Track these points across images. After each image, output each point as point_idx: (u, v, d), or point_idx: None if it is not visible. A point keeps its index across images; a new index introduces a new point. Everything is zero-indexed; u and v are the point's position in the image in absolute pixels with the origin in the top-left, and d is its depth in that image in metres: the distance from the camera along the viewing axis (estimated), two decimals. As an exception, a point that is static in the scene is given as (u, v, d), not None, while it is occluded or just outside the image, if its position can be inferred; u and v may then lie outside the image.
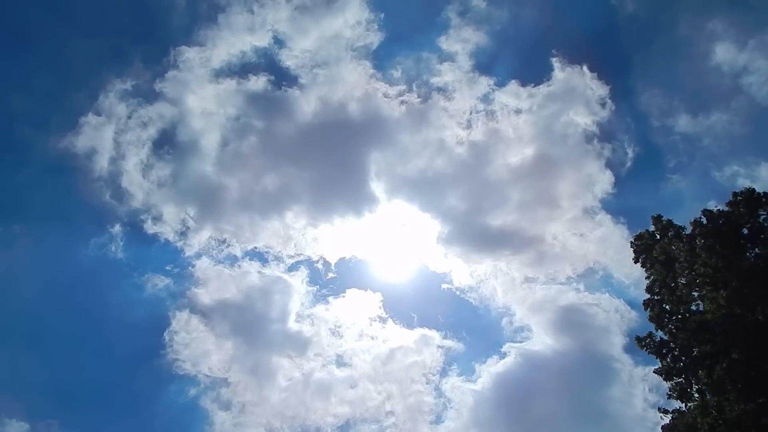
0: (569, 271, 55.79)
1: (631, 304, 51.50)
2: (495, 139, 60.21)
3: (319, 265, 58.93)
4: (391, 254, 65.12)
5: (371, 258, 63.37)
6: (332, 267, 58.86)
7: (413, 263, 65.00)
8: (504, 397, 52.12)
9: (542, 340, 54.08)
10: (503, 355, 53.90)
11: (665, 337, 26.43)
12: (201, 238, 56.72)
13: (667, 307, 26.97)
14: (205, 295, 56.13)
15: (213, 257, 57.11)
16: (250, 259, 58.17)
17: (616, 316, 52.54)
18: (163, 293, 56.96)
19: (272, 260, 58.63)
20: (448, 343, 56.00)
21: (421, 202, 60.62)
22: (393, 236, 62.58)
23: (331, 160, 58.23)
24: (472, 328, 61.66)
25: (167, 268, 57.71)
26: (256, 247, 58.05)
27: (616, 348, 51.07)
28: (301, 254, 58.71)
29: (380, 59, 60.90)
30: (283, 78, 58.30)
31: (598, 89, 57.02)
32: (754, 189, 26.24)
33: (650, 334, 26.75)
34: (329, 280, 59.00)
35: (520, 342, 54.53)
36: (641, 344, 26.79)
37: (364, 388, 54.25)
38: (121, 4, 59.52)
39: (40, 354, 53.85)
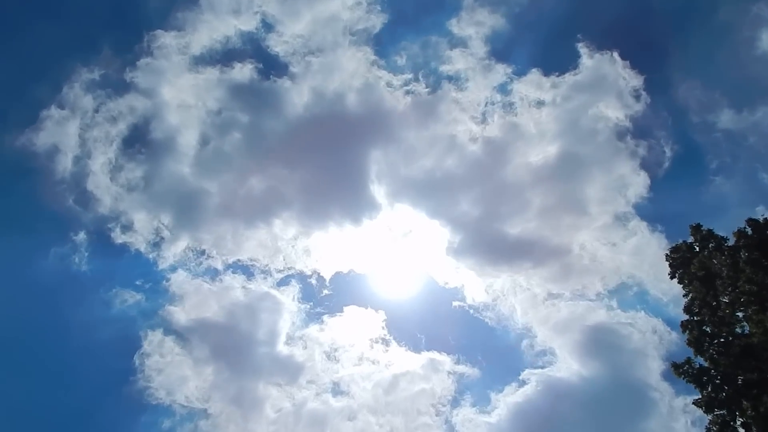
0: (599, 286, 55.80)
1: (671, 323, 51.29)
2: (513, 135, 60.11)
3: (313, 280, 59.01)
4: (395, 267, 64.75)
5: (372, 271, 65.22)
6: (327, 282, 58.88)
7: (420, 277, 64.56)
8: (523, 432, 50.02)
9: (568, 366, 53.77)
10: (523, 383, 53.22)
11: (705, 364, 26.53)
12: (177, 248, 57.07)
13: (708, 329, 27.08)
14: (181, 314, 56.07)
15: (191, 270, 57.40)
16: (234, 273, 58.13)
17: (654, 338, 52.27)
18: (134, 311, 57.01)
19: (258, 274, 58.63)
20: (461, 368, 55.76)
21: (428, 208, 60.07)
22: (397, 246, 62.58)
23: (326, 160, 58.80)
24: (488, 351, 61.00)
25: (138, 282, 57.81)
26: (239, 260, 58.09)
27: (654, 374, 50.46)
28: (292, 267, 58.82)
29: (383, 45, 61.77)
30: (271, 66, 59.42)
31: (631, 79, 57.34)
32: (806, 194, 26.35)
33: (689, 360, 26.90)
34: (324, 297, 58.78)
35: (543, 367, 54.26)
36: (679, 371, 26.92)
37: (364, 421, 53.67)
38: (88, -17, 57.30)
39: (-10, 382, 51.68)
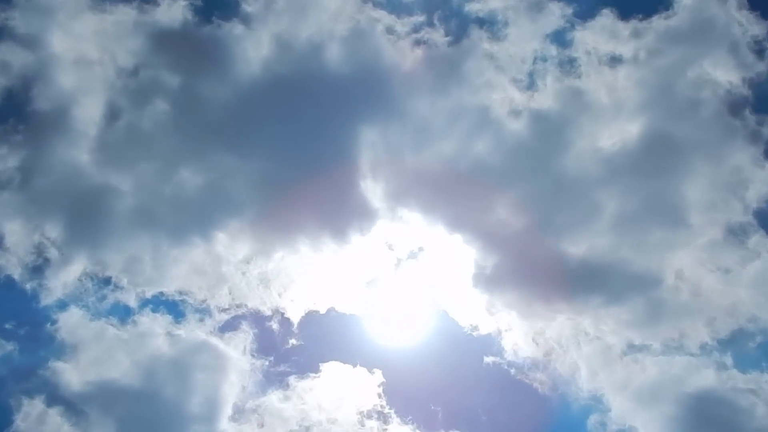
0: (704, 335, 49.46)
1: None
2: (575, 107, 51.63)
3: (274, 324, 52.18)
4: (397, 305, 56.89)
5: (363, 311, 55.82)
6: (295, 327, 51.63)
7: (434, 319, 56.35)
8: None
9: (657, 454, 46.20)
10: (590, 480, 45.78)
11: None
12: (69, 275, 49.66)
13: None
14: (73, 373, 48.85)
15: (89, 308, 49.91)
16: (155, 312, 50.57)
17: (790, 412, 44.44)
18: (1, 368, 50.77)
19: (192, 314, 50.75)
20: (496, 457, 48.21)
21: (447, 216, 51.90)
22: (400, 274, 54.93)
23: (296, 143, 52.28)
24: (538, 431, 53.96)
25: (9, 325, 50.50)
26: (163, 293, 50.25)
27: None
28: (242, 305, 51.28)
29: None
30: (214, 4, 53.12)
31: (751, 25, 50.35)
32: None
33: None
34: (291, 350, 51.65)
35: (620, 457, 46.65)
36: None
37: None
38: None
39: None
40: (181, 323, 52.35)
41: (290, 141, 52.59)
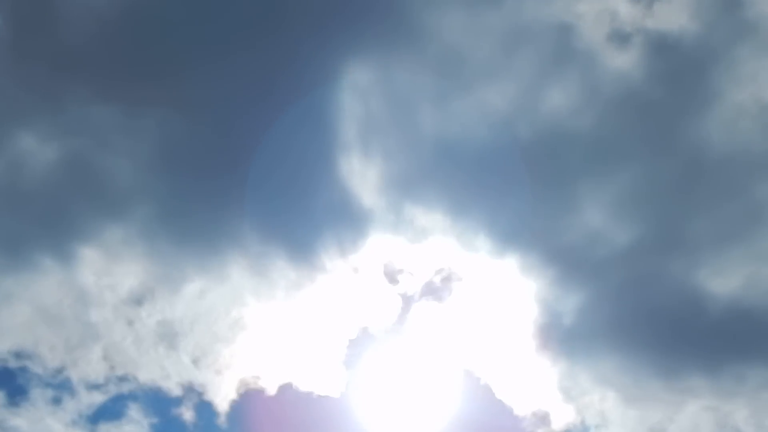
0: None
1: None
2: (728, 28, 39.45)
3: (186, 411, 40.78)
4: (405, 378, 42.98)
5: (343, 392, 42.11)
6: (222, 417, 40.08)
7: (470, 403, 41.88)
8: None
9: None
10: None
11: None
12: None
13: None
14: None
15: None
16: None
17: None
18: None
19: (38, 390, 41.09)
20: None
21: (493, 223, 40.21)
22: (410, 324, 41.86)
23: (226, 88, 38.66)
24: None
25: None
26: None
27: None
28: (129, 377, 40.21)
29: None
30: None
31: None
32: None
33: None
34: None
35: None
36: None
37: None
38: None
39: None
40: (19, 406, 40.76)
41: (217, 83, 38.40)
